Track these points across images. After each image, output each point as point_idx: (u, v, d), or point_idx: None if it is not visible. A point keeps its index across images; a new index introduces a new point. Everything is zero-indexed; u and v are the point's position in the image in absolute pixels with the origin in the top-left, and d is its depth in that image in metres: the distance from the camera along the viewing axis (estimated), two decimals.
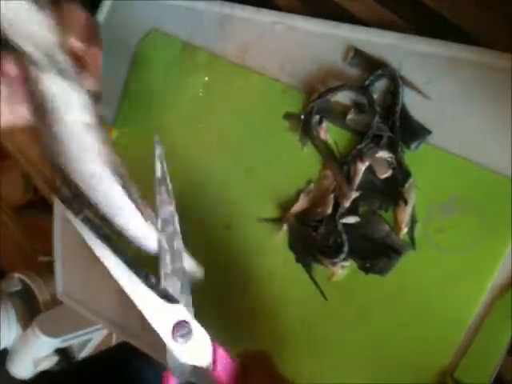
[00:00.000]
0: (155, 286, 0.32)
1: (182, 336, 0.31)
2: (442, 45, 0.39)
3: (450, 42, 0.39)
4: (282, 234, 0.45)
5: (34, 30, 0.29)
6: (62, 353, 0.79)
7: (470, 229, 0.37)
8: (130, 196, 0.34)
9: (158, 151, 0.36)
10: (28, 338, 0.74)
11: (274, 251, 0.46)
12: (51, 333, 0.72)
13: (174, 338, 0.31)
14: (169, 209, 0.36)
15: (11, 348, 0.77)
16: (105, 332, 0.83)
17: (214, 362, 0.31)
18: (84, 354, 0.82)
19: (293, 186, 0.45)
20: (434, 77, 0.39)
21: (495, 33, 0.38)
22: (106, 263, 0.32)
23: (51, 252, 0.66)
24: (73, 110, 0.31)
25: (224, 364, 0.31)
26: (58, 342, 0.74)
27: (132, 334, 0.57)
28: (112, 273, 0.32)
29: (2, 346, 0.76)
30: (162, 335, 0.31)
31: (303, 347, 0.45)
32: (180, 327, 0.31)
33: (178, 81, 0.53)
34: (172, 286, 0.33)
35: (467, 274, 0.37)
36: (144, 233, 0.35)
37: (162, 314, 0.31)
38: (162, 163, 0.36)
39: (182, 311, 0.32)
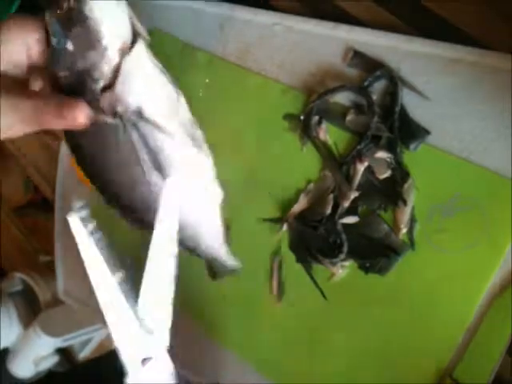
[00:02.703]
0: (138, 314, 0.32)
1: (149, 369, 0.31)
2: (441, 46, 0.39)
3: (448, 42, 0.39)
4: (281, 234, 0.46)
5: None
6: (63, 352, 0.79)
7: (470, 229, 0.37)
8: None
9: None
10: (29, 337, 0.74)
11: (273, 251, 0.46)
12: (52, 332, 0.72)
13: (139, 370, 0.31)
14: None
15: (12, 347, 0.77)
16: (105, 331, 0.84)
17: None
18: (84, 353, 0.82)
19: (293, 186, 0.45)
20: (433, 78, 0.39)
21: (495, 34, 0.38)
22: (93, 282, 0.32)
23: (52, 252, 0.66)
24: None
25: None
26: (58, 342, 0.74)
27: None
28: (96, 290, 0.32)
29: (3, 346, 0.76)
30: (127, 366, 0.31)
31: (303, 347, 0.45)
32: (147, 362, 0.32)
33: (177, 81, 0.53)
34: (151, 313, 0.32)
35: (466, 274, 0.37)
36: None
37: (135, 346, 0.31)
38: None
39: (156, 344, 0.32)
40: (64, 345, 0.76)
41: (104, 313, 0.32)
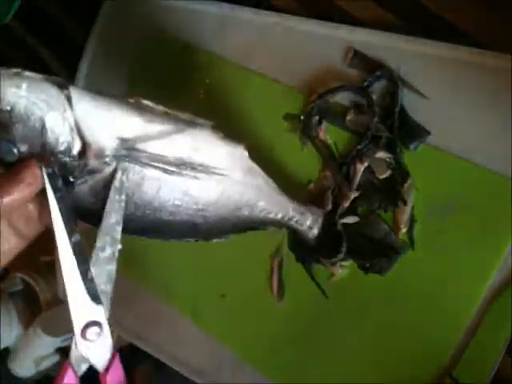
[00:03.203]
0: (87, 281, 0.32)
1: (91, 334, 0.33)
2: (441, 46, 0.39)
3: (448, 42, 0.39)
4: (281, 234, 0.46)
5: None
6: (64, 352, 0.79)
7: (470, 229, 0.37)
8: None
9: None
10: (29, 337, 0.74)
11: (273, 251, 0.46)
12: (52, 332, 0.72)
13: (83, 334, 0.32)
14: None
15: (13, 347, 0.77)
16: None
17: (107, 370, 0.33)
18: None
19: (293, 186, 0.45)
20: (433, 78, 0.39)
21: (495, 34, 0.38)
22: (58, 244, 0.32)
23: (52, 252, 0.66)
24: None
25: (115, 377, 0.33)
26: (59, 342, 0.74)
27: (133, 333, 0.57)
28: (60, 253, 0.32)
29: (4, 346, 0.76)
30: (74, 327, 0.32)
31: (303, 347, 0.45)
32: (92, 326, 0.33)
33: (178, 81, 0.53)
34: (98, 278, 0.33)
35: (466, 274, 0.37)
36: None
37: (81, 309, 0.32)
38: None
39: (100, 313, 0.33)
40: (64, 344, 0.76)
41: (62, 272, 0.32)
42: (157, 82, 0.55)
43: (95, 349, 0.33)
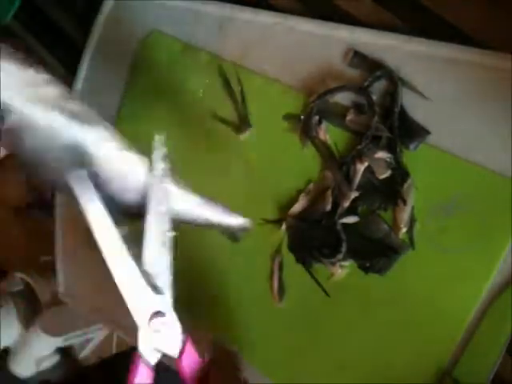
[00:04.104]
0: (144, 273, 0.33)
1: (157, 325, 0.33)
2: (442, 46, 0.39)
3: (449, 43, 0.39)
4: (281, 234, 0.46)
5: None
6: (64, 352, 0.79)
7: (470, 229, 0.37)
8: None
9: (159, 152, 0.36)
10: (30, 337, 0.74)
11: (273, 251, 0.46)
12: (53, 332, 0.73)
13: (149, 325, 0.33)
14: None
15: (13, 347, 0.77)
16: (106, 331, 0.84)
17: (181, 354, 0.33)
18: (85, 353, 0.83)
19: (293, 186, 0.45)
20: (433, 78, 0.39)
21: (495, 34, 0.38)
22: (98, 238, 0.32)
23: (52, 252, 0.66)
24: None
25: (190, 359, 0.34)
26: (59, 341, 0.74)
27: (134, 334, 0.57)
28: (103, 248, 0.32)
29: (4, 346, 0.76)
30: (137, 321, 0.33)
31: (304, 347, 0.45)
32: (157, 317, 0.33)
33: (178, 81, 0.53)
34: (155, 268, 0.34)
35: (466, 274, 0.37)
36: None
37: (143, 302, 0.33)
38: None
39: (163, 302, 0.33)
40: (64, 344, 0.76)
41: (111, 268, 0.33)
42: (156, 82, 0.55)
43: (164, 338, 0.33)
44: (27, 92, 0.31)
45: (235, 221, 0.42)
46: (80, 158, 0.33)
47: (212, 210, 0.38)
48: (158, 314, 0.33)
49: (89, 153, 0.33)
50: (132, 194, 0.35)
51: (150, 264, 0.33)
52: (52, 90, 0.32)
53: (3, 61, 0.30)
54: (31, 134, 0.31)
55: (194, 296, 0.52)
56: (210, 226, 0.40)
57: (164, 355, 0.33)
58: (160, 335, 0.33)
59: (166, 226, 0.34)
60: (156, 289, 0.33)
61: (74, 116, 0.32)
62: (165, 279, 0.34)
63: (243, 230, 0.43)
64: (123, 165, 0.35)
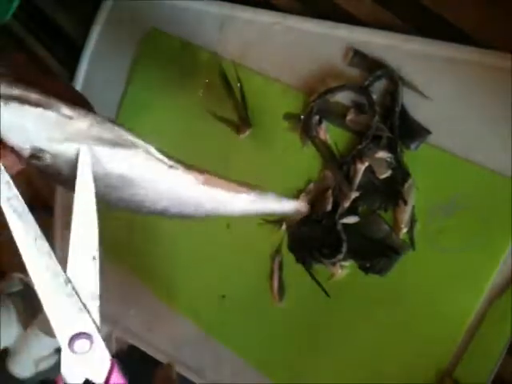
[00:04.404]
0: (65, 286, 0.30)
1: (80, 347, 0.30)
2: (442, 45, 0.39)
3: (449, 42, 0.39)
4: (281, 234, 0.46)
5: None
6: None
7: (470, 229, 0.37)
8: None
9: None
10: (29, 337, 0.74)
11: (273, 251, 0.46)
12: (52, 332, 0.72)
13: (71, 347, 0.30)
14: None
15: (12, 348, 0.77)
16: (105, 332, 0.84)
17: (107, 381, 0.30)
18: None
19: (293, 186, 0.45)
20: (433, 77, 0.39)
21: (495, 33, 0.38)
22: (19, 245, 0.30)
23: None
24: None
25: None
26: (58, 342, 0.74)
27: (134, 333, 0.57)
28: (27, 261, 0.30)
29: (3, 346, 0.76)
30: (60, 341, 0.30)
31: (304, 347, 0.45)
32: (80, 338, 0.30)
33: (178, 81, 0.53)
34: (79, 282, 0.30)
35: (466, 274, 0.37)
36: None
37: (65, 320, 0.30)
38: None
39: (87, 322, 0.30)
40: None
41: (31, 275, 0.30)
42: (156, 82, 0.55)
43: (88, 361, 0.30)
44: (55, 134, 0.29)
45: (289, 206, 0.41)
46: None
47: (264, 202, 0.37)
48: (81, 335, 0.30)
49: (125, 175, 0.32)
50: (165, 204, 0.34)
51: (75, 275, 0.30)
52: (80, 124, 0.29)
53: (20, 111, 0.28)
54: (69, 168, 0.30)
55: (192, 297, 0.52)
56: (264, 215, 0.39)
57: (87, 381, 0.30)
58: (84, 358, 0.29)
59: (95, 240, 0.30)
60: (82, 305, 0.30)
61: (105, 142, 0.30)
62: (91, 294, 0.30)
63: (299, 214, 0.42)
64: (168, 181, 0.33)
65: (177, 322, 0.53)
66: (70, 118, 0.29)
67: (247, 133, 0.48)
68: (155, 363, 0.55)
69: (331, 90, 0.42)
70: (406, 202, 0.39)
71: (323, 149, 0.43)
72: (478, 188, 0.37)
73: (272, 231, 0.46)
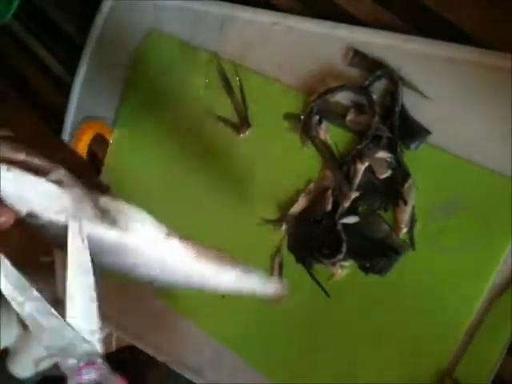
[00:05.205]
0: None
1: (88, 374, 0.30)
2: (442, 45, 0.39)
3: (449, 42, 0.39)
4: (281, 234, 0.46)
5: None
6: None
7: (470, 229, 0.37)
8: None
9: None
10: (29, 337, 0.74)
11: (273, 251, 0.46)
12: None
13: (80, 376, 0.30)
14: None
15: (12, 348, 0.77)
16: (105, 332, 0.83)
17: None
18: None
19: (293, 186, 0.45)
20: (433, 77, 0.39)
21: (495, 33, 0.38)
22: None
23: (52, 252, 0.66)
24: None
25: None
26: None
27: (134, 334, 0.57)
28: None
29: (3, 346, 0.76)
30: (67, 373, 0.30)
31: (303, 347, 0.45)
32: (87, 366, 0.31)
33: (177, 81, 0.53)
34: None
35: (466, 274, 0.37)
36: None
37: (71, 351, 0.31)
38: None
39: (94, 347, 0.31)
40: None
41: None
42: (156, 82, 0.55)
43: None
44: (53, 206, 0.31)
45: (269, 289, 0.39)
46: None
47: (244, 280, 0.37)
48: (88, 363, 0.30)
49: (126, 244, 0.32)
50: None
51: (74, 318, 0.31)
52: (71, 200, 0.31)
53: (21, 177, 0.29)
54: (63, 231, 0.32)
55: (191, 297, 0.52)
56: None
57: None
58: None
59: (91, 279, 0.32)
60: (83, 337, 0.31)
61: (97, 219, 0.31)
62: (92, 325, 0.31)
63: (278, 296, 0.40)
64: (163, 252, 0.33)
65: (177, 322, 0.53)
66: (65, 192, 0.30)
67: (247, 133, 0.48)
68: (154, 363, 0.55)
69: (331, 90, 0.42)
70: (405, 202, 0.39)
71: (323, 149, 0.43)
72: (477, 188, 0.37)
73: (272, 231, 0.46)
